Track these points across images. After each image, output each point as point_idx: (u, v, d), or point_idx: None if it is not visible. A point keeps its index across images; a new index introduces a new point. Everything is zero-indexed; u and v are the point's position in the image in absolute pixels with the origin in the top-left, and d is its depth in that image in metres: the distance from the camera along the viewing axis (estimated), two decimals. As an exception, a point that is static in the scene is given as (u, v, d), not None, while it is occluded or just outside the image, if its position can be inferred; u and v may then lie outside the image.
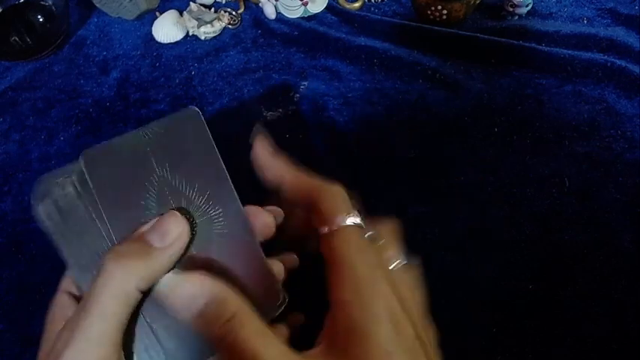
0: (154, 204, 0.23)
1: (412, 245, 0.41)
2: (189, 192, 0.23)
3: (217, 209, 0.24)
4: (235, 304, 0.21)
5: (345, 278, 0.23)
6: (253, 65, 0.54)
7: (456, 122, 0.49)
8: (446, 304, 0.39)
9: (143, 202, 0.23)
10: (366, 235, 0.25)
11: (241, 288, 0.22)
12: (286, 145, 0.48)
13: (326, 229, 0.25)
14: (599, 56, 0.52)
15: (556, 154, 0.47)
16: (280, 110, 0.51)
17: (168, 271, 0.22)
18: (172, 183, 0.23)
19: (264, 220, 0.26)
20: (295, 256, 0.29)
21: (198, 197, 0.24)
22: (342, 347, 0.22)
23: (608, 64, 0.51)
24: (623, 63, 0.51)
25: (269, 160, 0.28)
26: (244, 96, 0.52)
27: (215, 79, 0.53)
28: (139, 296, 0.22)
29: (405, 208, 0.44)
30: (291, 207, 0.29)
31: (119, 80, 0.54)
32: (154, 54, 0.56)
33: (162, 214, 0.23)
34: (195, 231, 0.23)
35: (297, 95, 0.52)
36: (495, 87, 0.51)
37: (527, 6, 0.55)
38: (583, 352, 0.38)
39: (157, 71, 0.54)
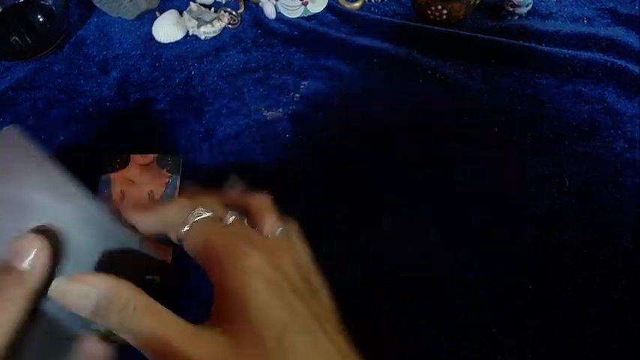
0: (12, 225, 0.23)
1: (412, 245, 0.41)
2: (38, 201, 0.23)
3: (70, 207, 0.24)
4: (126, 293, 0.23)
5: (213, 261, 0.25)
6: (253, 65, 0.54)
7: (456, 122, 0.49)
8: (446, 304, 0.39)
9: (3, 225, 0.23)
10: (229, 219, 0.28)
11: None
12: (286, 145, 0.48)
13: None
14: (599, 56, 0.52)
15: (556, 154, 0.47)
16: (280, 110, 0.51)
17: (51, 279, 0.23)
18: (20, 199, 0.23)
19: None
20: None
21: (50, 203, 0.24)
22: (227, 321, 0.24)
23: (608, 64, 0.51)
24: (623, 63, 0.51)
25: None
26: (244, 96, 0.52)
27: (215, 79, 0.53)
28: (27, 315, 0.22)
29: (405, 207, 0.44)
30: None
31: (119, 80, 0.54)
32: (154, 54, 0.56)
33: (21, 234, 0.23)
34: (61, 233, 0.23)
35: (297, 95, 0.52)
36: (495, 87, 0.51)
37: (527, 6, 0.55)
38: (583, 352, 0.38)
39: (157, 71, 0.54)
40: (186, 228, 0.27)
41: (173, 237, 0.28)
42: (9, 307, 0.22)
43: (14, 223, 0.23)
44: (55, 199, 0.24)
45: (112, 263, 0.25)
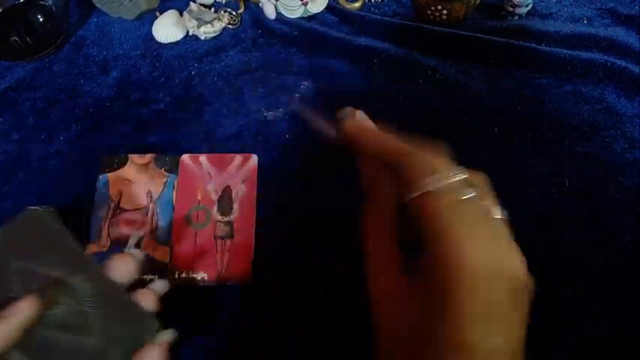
0: (17, 288, 0.28)
1: (412, 245, 0.41)
2: (46, 272, 0.28)
3: (78, 278, 0.28)
4: None
5: (443, 240, 0.24)
6: (253, 65, 0.54)
7: (456, 122, 0.49)
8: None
9: (9, 287, 0.28)
10: (462, 194, 0.26)
11: (117, 327, 0.28)
12: (286, 145, 0.48)
13: (413, 194, 0.25)
14: (599, 56, 0.52)
15: (556, 154, 0.47)
16: (280, 110, 0.51)
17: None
18: (29, 269, 0.28)
19: (124, 267, 0.30)
20: (166, 281, 0.32)
21: (57, 273, 0.28)
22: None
23: (608, 64, 0.51)
24: (623, 63, 0.51)
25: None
26: (244, 96, 0.52)
27: (215, 79, 0.53)
28: None
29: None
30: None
31: (119, 80, 0.54)
32: (154, 54, 0.56)
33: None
34: (59, 300, 0.28)
35: (297, 95, 0.52)
36: (495, 87, 0.51)
37: (527, 6, 0.55)
38: (583, 352, 0.38)
39: (157, 71, 0.54)
40: (426, 189, 0.25)
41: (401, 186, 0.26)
42: None
43: (22, 286, 0.27)
44: (62, 267, 0.28)
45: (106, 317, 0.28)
